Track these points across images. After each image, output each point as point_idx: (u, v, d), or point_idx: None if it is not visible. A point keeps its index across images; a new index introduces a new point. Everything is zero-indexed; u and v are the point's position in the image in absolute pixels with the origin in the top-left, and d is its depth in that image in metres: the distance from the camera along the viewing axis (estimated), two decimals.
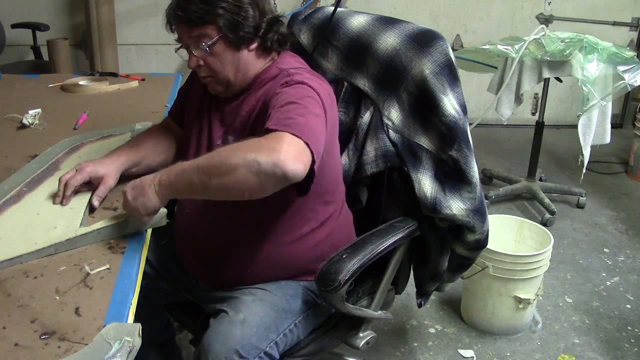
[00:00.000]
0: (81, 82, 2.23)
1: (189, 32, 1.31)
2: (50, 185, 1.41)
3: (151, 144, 1.53)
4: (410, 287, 1.72)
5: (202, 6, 1.27)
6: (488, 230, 1.53)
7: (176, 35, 1.34)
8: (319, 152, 1.20)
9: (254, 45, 1.35)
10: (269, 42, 1.36)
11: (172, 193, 1.23)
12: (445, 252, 1.57)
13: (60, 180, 1.36)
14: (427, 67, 1.42)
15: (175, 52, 1.39)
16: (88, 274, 1.10)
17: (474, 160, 1.46)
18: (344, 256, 1.31)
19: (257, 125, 1.31)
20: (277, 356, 1.34)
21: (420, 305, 1.75)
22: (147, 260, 1.29)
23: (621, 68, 2.73)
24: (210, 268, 1.45)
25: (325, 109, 1.28)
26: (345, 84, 1.57)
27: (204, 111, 1.45)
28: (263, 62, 1.39)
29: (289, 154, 1.11)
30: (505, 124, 3.10)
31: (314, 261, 1.34)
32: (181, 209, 1.47)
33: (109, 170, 1.39)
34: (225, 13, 1.28)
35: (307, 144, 1.14)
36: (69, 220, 1.26)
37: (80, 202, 1.34)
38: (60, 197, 1.34)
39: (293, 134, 1.14)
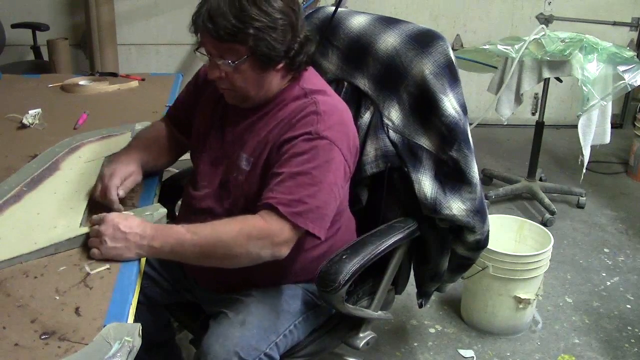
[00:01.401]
0: (81, 82, 2.23)
1: (216, 45, 1.24)
2: (50, 185, 1.41)
3: (159, 148, 1.52)
4: (411, 287, 1.71)
5: (235, 23, 1.19)
6: (488, 231, 1.53)
7: (199, 39, 1.28)
8: (325, 227, 1.27)
9: (280, 66, 1.29)
10: (297, 64, 1.31)
11: (159, 257, 1.23)
12: (445, 253, 1.57)
13: (105, 195, 1.30)
14: (427, 68, 1.42)
15: (194, 51, 1.33)
16: (88, 274, 1.10)
17: (474, 161, 1.46)
18: (344, 257, 1.31)
19: (270, 153, 1.30)
20: (277, 357, 1.34)
21: (420, 306, 1.75)
22: (147, 260, 1.28)
23: (621, 68, 2.73)
24: (210, 274, 1.44)
25: (345, 158, 1.29)
26: (346, 83, 1.56)
27: (216, 121, 1.42)
28: (286, 80, 1.35)
29: (288, 247, 1.24)
30: (505, 124, 3.10)
31: (314, 270, 1.34)
32: (183, 214, 1.47)
33: (137, 168, 1.39)
34: (258, 33, 1.21)
35: (312, 233, 1.24)
36: (69, 220, 1.26)
37: (79, 202, 1.34)
38: (116, 204, 1.30)
39: (298, 226, 1.22)
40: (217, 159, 1.40)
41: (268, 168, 1.30)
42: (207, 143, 1.43)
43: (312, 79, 1.38)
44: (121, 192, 1.31)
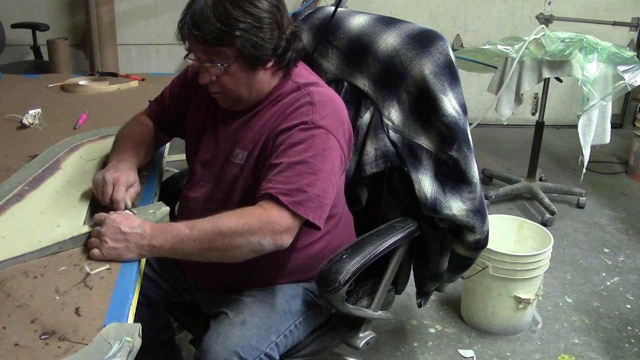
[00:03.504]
0: (81, 82, 2.23)
1: (203, 50, 1.25)
2: (52, 184, 1.41)
3: (147, 146, 1.51)
4: (411, 287, 1.72)
5: (220, 27, 1.20)
6: (488, 231, 1.53)
7: (187, 46, 1.29)
8: (324, 217, 1.25)
9: (270, 64, 1.30)
10: (286, 61, 1.31)
11: (160, 255, 1.21)
12: (445, 252, 1.57)
13: (112, 200, 1.29)
14: (427, 67, 1.42)
15: (184, 59, 1.33)
16: (88, 274, 1.10)
17: (474, 161, 1.46)
18: (344, 256, 1.31)
19: (265, 145, 1.30)
20: (277, 357, 1.34)
21: (420, 306, 1.75)
22: (147, 261, 1.28)
23: (621, 68, 2.73)
24: (210, 275, 1.44)
25: (341, 146, 1.29)
26: (345, 84, 1.56)
27: (210, 121, 1.42)
28: (277, 78, 1.35)
29: (289, 235, 1.21)
30: (505, 124, 3.10)
31: (313, 268, 1.34)
32: (182, 217, 1.46)
33: (136, 178, 1.37)
34: (244, 34, 1.21)
35: (311, 222, 1.23)
36: (72, 218, 1.26)
37: (82, 201, 1.34)
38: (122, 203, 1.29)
39: (298, 215, 1.21)
40: (212, 159, 1.40)
41: (263, 160, 1.30)
42: (201, 144, 1.43)
43: (303, 73, 1.39)
44: (129, 202, 1.29)
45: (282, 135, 1.27)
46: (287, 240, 1.22)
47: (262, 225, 1.19)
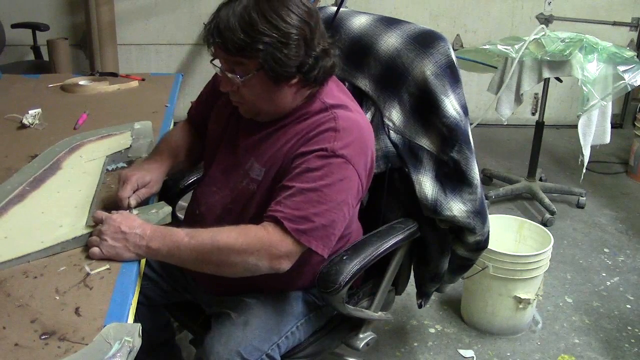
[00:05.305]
0: (81, 82, 2.23)
1: (225, 58, 1.21)
2: (53, 184, 1.41)
3: (188, 150, 1.50)
4: (411, 287, 1.72)
5: (243, 38, 1.15)
6: (489, 232, 1.53)
7: (212, 51, 1.25)
8: (330, 246, 1.24)
9: (294, 81, 1.23)
10: (312, 79, 1.24)
11: (157, 258, 1.20)
12: (445, 253, 1.57)
13: (117, 197, 1.30)
14: (428, 68, 1.42)
15: (211, 62, 1.29)
16: (88, 274, 1.10)
17: (475, 162, 1.46)
18: (344, 257, 1.31)
19: (283, 165, 1.27)
20: (279, 358, 1.34)
21: (420, 306, 1.75)
22: (147, 261, 1.28)
23: (621, 68, 2.73)
24: (211, 279, 1.43)
25: (359, 177, 1.25)
26: (346, 84, 1.56)
27: (232, 127, 1.40)
28: (302, 96, 1.29)
29: (288, 261, 1.20)
30: (505, 124, 3.10)
31: None
32: (189, 219, 1.45)
33: (155, 177, 1.36)
34: (268, 48, 1.16)
35: (315, 251, 1.21)
36: (74, 218, 1.26)
37: (83, 201, 1.34)
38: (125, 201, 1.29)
39: (302, 243, 1.19)
40: (229, 166, 1.37)
41: (279, 180, 1.27)
42: (220, 149, 1.41)
43: (333, 92, 1.33)
44: (132, 202, 1.29)
45: (300, 158, 1.24)
46: (285, 265, 1.20)
47: (261, 247, 1.17)
